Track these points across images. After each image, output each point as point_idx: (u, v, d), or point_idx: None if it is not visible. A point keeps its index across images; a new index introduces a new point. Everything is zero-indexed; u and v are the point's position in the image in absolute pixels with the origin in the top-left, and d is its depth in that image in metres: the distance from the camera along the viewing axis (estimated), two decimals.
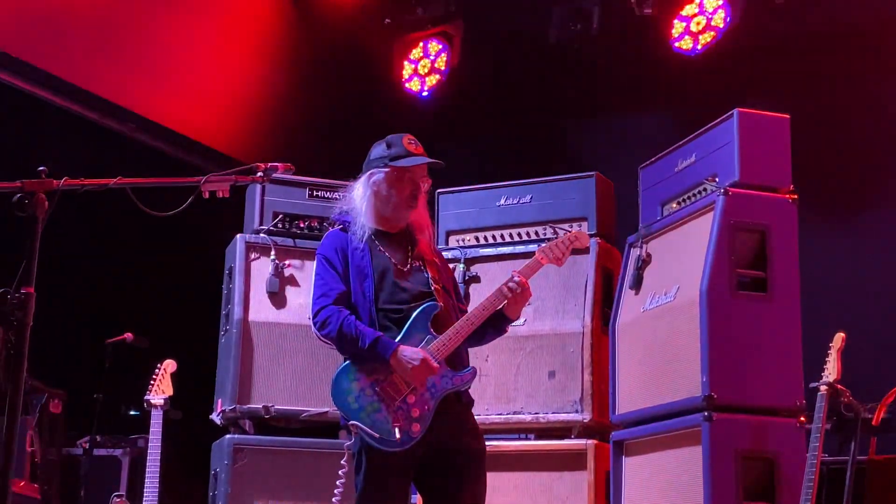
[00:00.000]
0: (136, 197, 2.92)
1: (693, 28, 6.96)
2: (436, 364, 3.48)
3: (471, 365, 3.63)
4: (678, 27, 7.02)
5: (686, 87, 7.09)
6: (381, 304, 3.57)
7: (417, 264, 3.67)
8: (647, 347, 4.60)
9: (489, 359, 5.02)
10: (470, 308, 3.71)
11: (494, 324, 3.68)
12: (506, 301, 3.63)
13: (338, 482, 3.60)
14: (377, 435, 3.42)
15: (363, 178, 3.71)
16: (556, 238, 3.75)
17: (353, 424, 3.46)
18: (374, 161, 3.70)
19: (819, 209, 6.02)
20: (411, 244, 3.72)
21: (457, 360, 3.58)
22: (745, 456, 4.12)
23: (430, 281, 3.63)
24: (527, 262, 3.69)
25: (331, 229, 3.80)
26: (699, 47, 6.92)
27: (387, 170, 3.65)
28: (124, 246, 7.36)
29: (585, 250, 4.99)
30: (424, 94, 7.92)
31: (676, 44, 7.02)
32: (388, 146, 3.69)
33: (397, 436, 3.41)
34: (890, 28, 6.44)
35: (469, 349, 3.71)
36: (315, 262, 3.72)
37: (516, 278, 3.61)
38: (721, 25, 6.83)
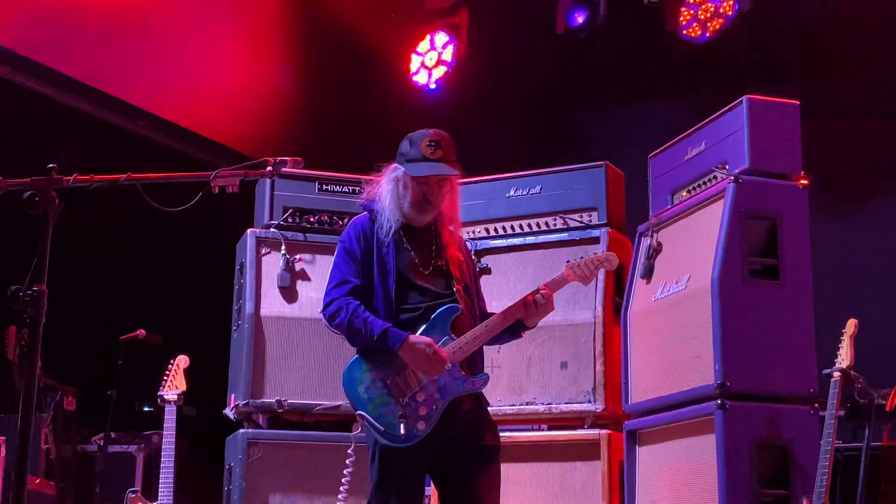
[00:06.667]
0: (147, 193, 2.92)
1: (701, 16, 6.94)
2: (446, 357, 3.46)
3: (485, 371, 3.61)
4: (686, 15, 7.00)
5: (695, 74, 7.07)
6: (401, 304, 3.55)
7: (441, 263, 3.64)
8: (660, 336, 4.59)
9: (501, 350, 5.00)
10: (488, 305, 3.73)
11: (511, 329, 3.70)
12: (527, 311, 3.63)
13: (345, 471, 3.59)
14: (382, 428, 3.42)
15: (389, 170, 3.66)
16: (585, 257, 3.74)
17: (359, 415, 3.46)
18: (398, 157, 3.65)
19: (830, 195, 6.00)
20: (437, 239, 3.68)
21: (471, 364, 3.58)
22: (759, 443, 4.11)
23: (453, 281, 3.61)
24: (553, 276, 3.71)
25: (356, 217, 3.75)
26: (707, 35, 6.90)
27: (403, 169, 3.61)
28: (135, 242, 7.37)
29: (596, 241, 5.00)
30: (432, 86, 7.92)
31: (684, 31, 7.00)
32: (410, 144, 3.62)
33: (402, 431, 3.40)
34: None
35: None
36: (336, 250, 3.68)
37: (543, 292, 3.61)
38: (730, 13, 6.81)
